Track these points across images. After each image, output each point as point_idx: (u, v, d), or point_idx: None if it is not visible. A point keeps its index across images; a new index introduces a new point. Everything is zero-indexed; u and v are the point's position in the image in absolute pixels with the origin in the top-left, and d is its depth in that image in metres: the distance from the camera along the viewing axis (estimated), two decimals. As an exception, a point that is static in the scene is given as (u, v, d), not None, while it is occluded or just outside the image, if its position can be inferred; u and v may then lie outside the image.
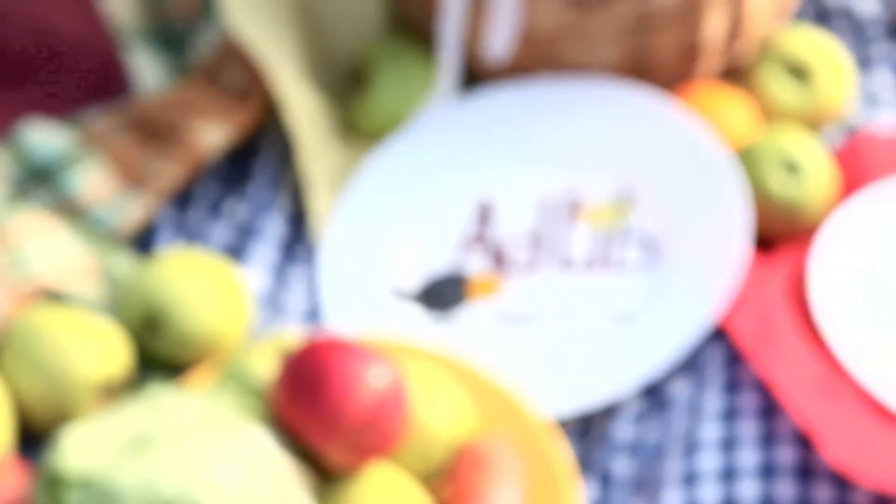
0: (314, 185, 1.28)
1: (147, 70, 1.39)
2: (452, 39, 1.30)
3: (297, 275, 1.26)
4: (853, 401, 1.03)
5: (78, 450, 0.93)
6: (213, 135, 1.28)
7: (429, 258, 1.27)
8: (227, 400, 0.99)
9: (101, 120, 1.31)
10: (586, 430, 1.13)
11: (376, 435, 0.98)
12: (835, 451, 0.98)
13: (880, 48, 1.43)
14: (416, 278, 1.26)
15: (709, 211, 1.23)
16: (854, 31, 1.44)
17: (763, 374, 1.05)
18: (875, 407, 1.03)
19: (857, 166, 1.28)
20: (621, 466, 1.08)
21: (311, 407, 0.97)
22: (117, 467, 0.92)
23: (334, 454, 0.99)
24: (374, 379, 0.97)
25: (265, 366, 1.04)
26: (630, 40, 1.30)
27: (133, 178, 1.27)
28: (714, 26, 1.32)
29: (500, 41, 1.26)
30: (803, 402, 1.02)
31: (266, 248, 1.25)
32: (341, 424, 0.97)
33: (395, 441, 1.00)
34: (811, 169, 1.24)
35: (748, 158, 1.25)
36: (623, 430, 1.10)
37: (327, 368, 0.97)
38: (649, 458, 1.07)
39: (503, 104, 1.33)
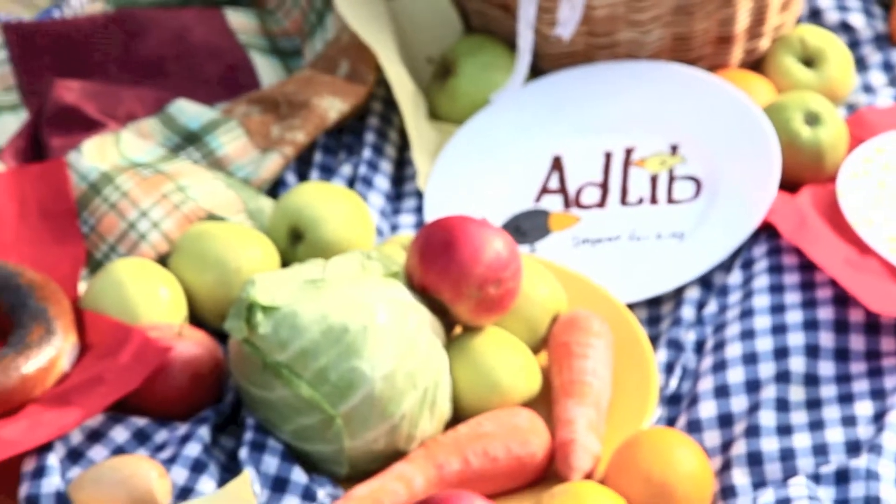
0: (417, 147, 1.55)
1: (267, 71, 1.68)
2: (527, 36, 1.58)
3: (403, 221, 1.51)
4: (879, 268, 1.27)
5: (267, 286, 1.16)
6: (331, 108, 1.55)
7: (513, 204, 1.52)
8: (373, 265, 1.23)
9: (239, 101, 1.58)
10: (657, 315, 1.36)
11: (497, 293, 1.21)
12: (871, 301, 1.21)
13: (871, 52, 1.71)
14: (504, 218, 1.50)
15: (745, 155, 1.48)
16: (849, 39, 1.73)
17: (806, 253, 1.28)
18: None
19: (862, 128, 1.55)
20: (687, 335, 1.30)
21: (443, 267, 1.20)
22: (296, 298, 1.15)
23: (461, 310, 1.21)
24: (496, 244, 1.21)
25: (393, 251, 1.28)
26: (672, 27, 1.59)
27: (267, 142, 1.53)
28: (742, 18, 1.61)
29: (566, 26, 1.55)
30: (841, 272, 1.25)
31: (376, 196, 1.50)
32: (468, 281, 1.20)
33: (512, 301, 1.23)
34: (829, 120, 1.51)
35: (774, 112, 1.52)
36: (687, 311, 1.33)
37: (457, 234, 1.21)
38: (711, 327, 1.30)
39: (568, 83, 1.61)
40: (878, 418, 1.17)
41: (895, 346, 1.23)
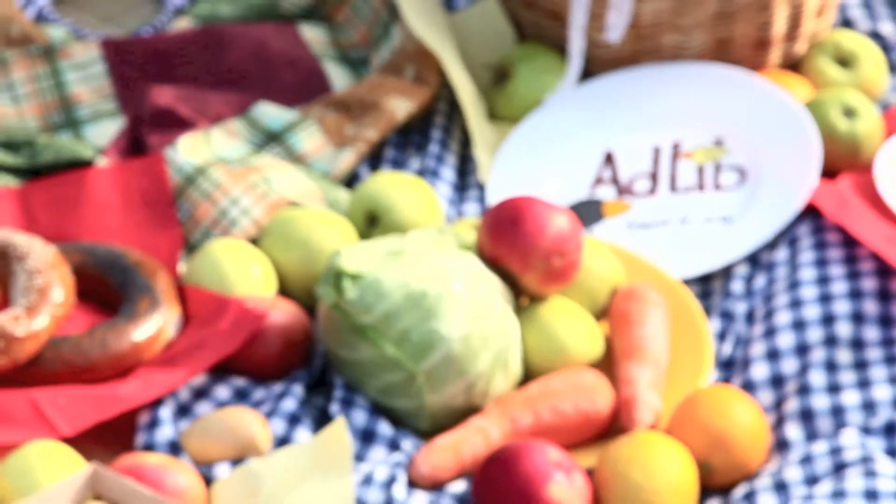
0: (479, 143, 1.67)
1: (338, 78, 1.82)
2: (577, 40, 1.71)
3: (468, 209, 1.63)
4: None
5: (353, 256, 1.28)
6: (399, 107, 1.68)
7: (568, 194, 1.64)
8: (447, 239, 1.35)
9: (314, 104, 1.72)
10: (708, 290, 1.46)
11: (561, 264, 1.32)
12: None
13: None
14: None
15: (787, 146, 1.59)
16: (881, 45, 1.83)
17: (849, 230, 1.39)
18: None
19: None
20: (737, 306, 1.40)
21: (512, 240, 1.32)
22: (380, 267, 1.27)
23: (528, 280, 1.33)
24: (559, 219, 1.33)
25: (463, 231, 1.40)
26: (714, 31, 1.71)
27: (341, 139, 1.66)
28: (779, 22, 1.72)
29: (615, 31, 1.68)
30: (883, 246, 1.35)
31: (443, 186, 1.63)
32: (535, 253, 1.31)
33: (575, 272, 1.34)
34: (865, 113, 1.61)
35: (814, 106, 1.63)
36: (737, 285, 1.43)
37: (523, 210, 1.33)
38: (760, 298, 1.40)
39: (617, 84, 1.73)
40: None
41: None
